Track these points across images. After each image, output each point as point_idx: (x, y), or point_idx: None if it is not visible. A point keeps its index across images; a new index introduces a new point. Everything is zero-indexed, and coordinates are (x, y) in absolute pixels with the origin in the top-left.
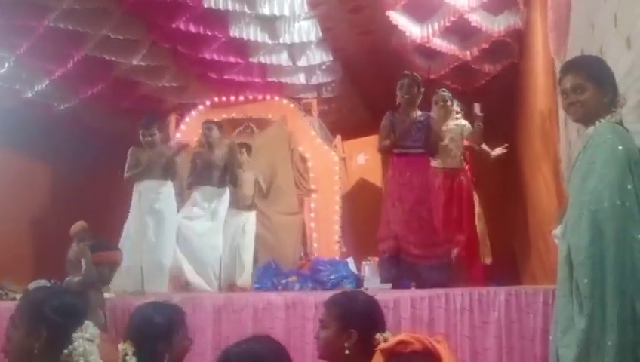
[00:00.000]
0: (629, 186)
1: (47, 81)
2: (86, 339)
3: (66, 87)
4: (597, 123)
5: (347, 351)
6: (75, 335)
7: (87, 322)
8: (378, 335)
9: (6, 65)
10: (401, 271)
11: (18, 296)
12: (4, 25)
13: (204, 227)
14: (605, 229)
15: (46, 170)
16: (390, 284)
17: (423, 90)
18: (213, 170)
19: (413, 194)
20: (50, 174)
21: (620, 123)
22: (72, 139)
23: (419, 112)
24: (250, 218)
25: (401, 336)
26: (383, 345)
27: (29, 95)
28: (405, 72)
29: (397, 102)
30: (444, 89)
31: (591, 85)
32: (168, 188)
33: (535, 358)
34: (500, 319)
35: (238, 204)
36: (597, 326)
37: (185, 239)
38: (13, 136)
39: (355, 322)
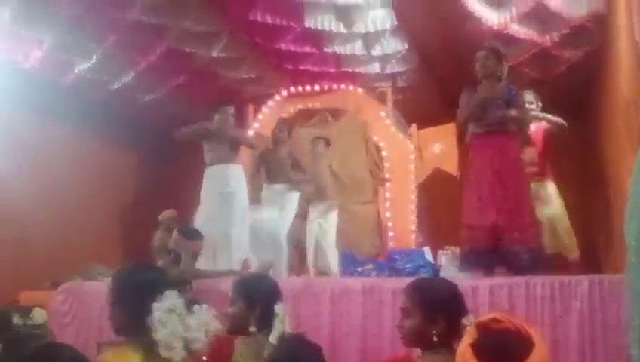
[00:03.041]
0: None
1: (133, 73)
2: (166, 309)
3: (150, 79)
4: None
5: (435, 338)
6: (155, 305)
7: (167, 292)
8: (464, 320)
9: (94, 57)
10: (485, 258)
11: None
12: (93, 18)
13: (272, 218)
14: None
15: (132, 160)
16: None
17: (506, 63)
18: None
19: (496, 176)
20: (136, 163)
21: None
22: (157, 129)
23: (500, 87)
24: (331, 207)
25: (495, 314)
26: (477, 319)
27: (116, 87)
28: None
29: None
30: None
31: None
32: (239, 171)
33: (619, 348)
34: (583, 308)
35: (318, 195)
36: None
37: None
38: (102, 127)
39: (440, 308)
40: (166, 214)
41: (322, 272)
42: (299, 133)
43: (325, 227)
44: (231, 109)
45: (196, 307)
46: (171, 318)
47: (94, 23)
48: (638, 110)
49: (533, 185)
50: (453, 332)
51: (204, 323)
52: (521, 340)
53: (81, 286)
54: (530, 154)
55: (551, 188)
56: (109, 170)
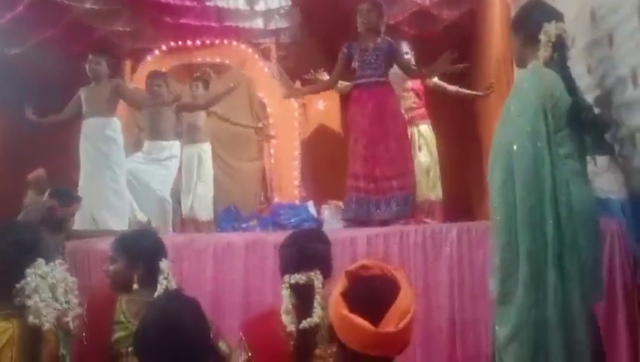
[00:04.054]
0: (540, 128)
1: None
2: (39, 276)
3: (15, 31)
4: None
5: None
6: (28, 271)
7: (40, 260)
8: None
9: None
10: (367, 205)
11: None
12: None
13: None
14: (515, 171)
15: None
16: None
17: (385, 17)
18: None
19: (378, 125)
20: (2, 120)
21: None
22: (24, 85)
23: (379, 39)
24: (204, 148)
25: (363, 261)
26: (348, 268)
27: None
28: None
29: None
30: None
31: (513, 35)
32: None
33: (485, 291)
34: (452, 254)
35: (192, 136)
36: (510, 257)
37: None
38: None
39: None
40: (34, 175)
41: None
42: (179, 89)
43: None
44: (103, 58)
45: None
46: (43, 284)
47: None
48: (507, 68)
49: (411, 129)
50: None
51: (62, 279)
52: (389, 284)
53: None
54: (410, 99)
55: (427, 133)
56: None
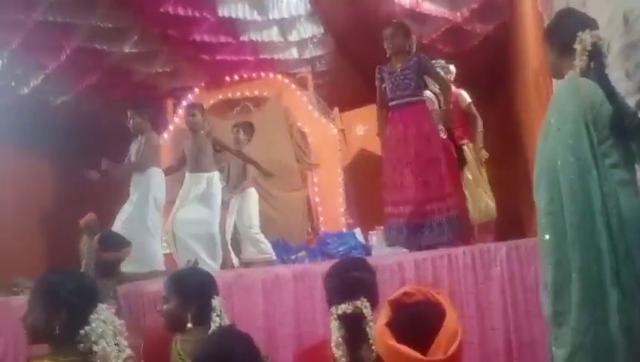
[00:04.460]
0: (582, 140)
1: (42, 76)
2: (101, 321)
3: (60, 80)
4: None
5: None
6: (91, 317)
7: (100, 305)
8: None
9: (0, 62)
10: (410, 232)
11: None
12: None
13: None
14: (562, 187)
15: (49, 165)
16: (398, 248)
17: (414, 36)
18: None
19: (411, 149)
20: (54, 168)
21: (591, 72)
22: (72, 131)
23: (409, 59)
24: (246, 196)
25: (405, 288)
26: (390, 297)
27: (26, 91)
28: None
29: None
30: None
31: (547, 47)
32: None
33: (540, 310)
34: (503, 273)
35: (234, 183)
36: (561, 276)
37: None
38: (14, 133)
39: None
40: (85, 220)
41: (247, 263)
42: (221, 125)
43: (249, 205)
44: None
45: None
46: (107, 329)
47: None
48: (545, 78)
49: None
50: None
51: (110, 322)
52: (434, 309)
53: (4, 302)
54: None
55: (467, 153)
56: (26, 177)
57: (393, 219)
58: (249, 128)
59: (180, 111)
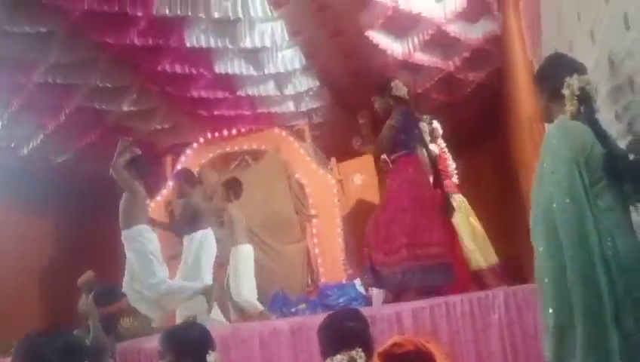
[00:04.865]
0: (576, 182)
1: (42, 136)
2: None
3: (60, 140)
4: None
5: None
6: None
7: None
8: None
9: (0, 123)
10: (401, 278)
11: None
12: None
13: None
14: (559, 230)
15: (49, 223)
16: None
17: (392, 93)
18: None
19: (393, 199)
20: (53, 227)
21: (582, 115)
22: (72, 190)
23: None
24: (239, 253)
25: (394, 338)
26: (380, 348)
27: (26, 152)
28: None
29: None
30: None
31: (537, 92)
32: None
33: (540, 355)
34: (501, 320)
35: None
36: (564, 320)
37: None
38: (14, 192)
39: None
40: (84, 278)
41: (241, 310)
42: (220, 179)
43: (237, 264)
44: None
45: None
46: None
47: None
48: (538, 124)
49: None
50: None
51: None
52: (424, 358)
53: None
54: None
55: (458, 201)
56: (26, 236)
57: (387, 265)
58: (236, 186)
59: (179, 167)
